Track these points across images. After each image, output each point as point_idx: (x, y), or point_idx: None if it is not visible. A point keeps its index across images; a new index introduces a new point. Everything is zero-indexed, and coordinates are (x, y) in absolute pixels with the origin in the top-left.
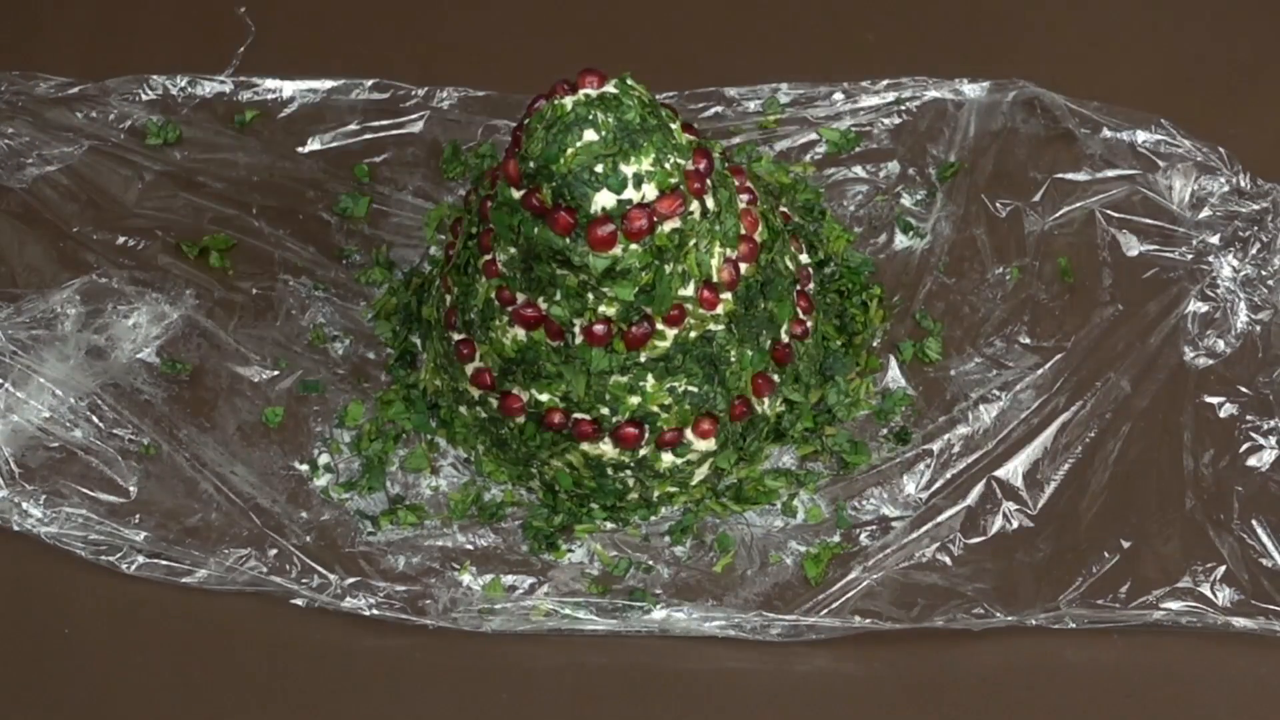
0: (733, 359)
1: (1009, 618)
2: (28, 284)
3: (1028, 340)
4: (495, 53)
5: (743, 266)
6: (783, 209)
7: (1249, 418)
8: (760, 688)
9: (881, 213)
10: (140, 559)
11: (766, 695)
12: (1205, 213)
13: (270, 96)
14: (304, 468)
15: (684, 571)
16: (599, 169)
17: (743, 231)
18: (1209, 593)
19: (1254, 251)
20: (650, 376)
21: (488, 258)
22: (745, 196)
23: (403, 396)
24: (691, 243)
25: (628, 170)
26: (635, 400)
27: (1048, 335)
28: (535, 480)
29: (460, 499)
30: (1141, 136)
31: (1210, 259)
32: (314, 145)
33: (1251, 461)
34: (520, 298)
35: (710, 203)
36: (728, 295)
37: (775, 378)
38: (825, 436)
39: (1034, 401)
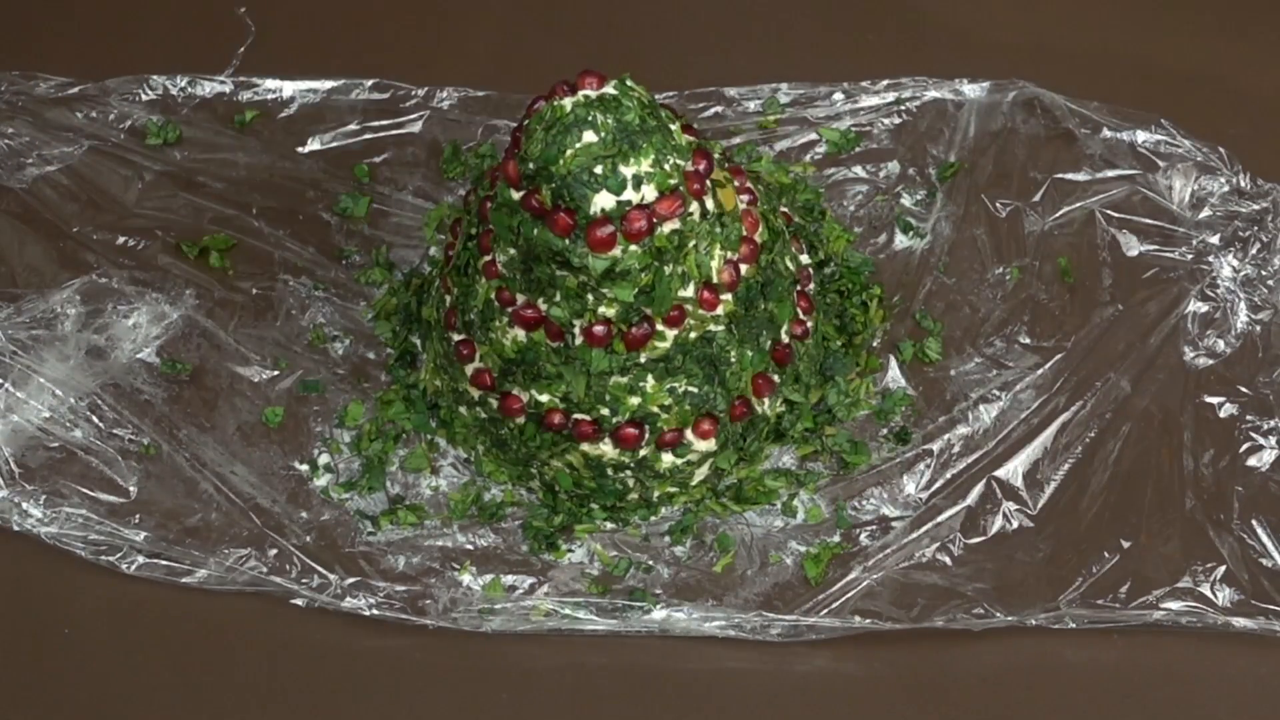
0: (733, 359)
1: (1009, 618)
2: (28, 284)
3: (1028, 340)
4: (495, 53)
5: (743, 267)
6: (783, 209)
7: (1249, 418)
8: (760, 688)
9: (881, 213)
10: (140, 559)
11: (766, 695)
12: (1205, 213)
13: (270, 96)
14: (304, 468)
15: (684, 571)
16: (598, 170)
17: (743, 232)
18: (1209, 593)
19: (1254, 251)
20: (650, 377)
21: (487, 258)
22: (745, 197)
23: (403, 396)
24: (691, 244)
25: (627, 171)
26: (635, 401)
27: (1048, 335)
28: (535, 480)
29: (460, 499)
30: (1141, 136)
31: (1210, 259)
32: (314, 145)
33: (1251, 461)
34: (520, 298)
35: (710, 204)
36: (728, 296)
37: (775, 378)
38: (825, 436)
39: (1034, 401)
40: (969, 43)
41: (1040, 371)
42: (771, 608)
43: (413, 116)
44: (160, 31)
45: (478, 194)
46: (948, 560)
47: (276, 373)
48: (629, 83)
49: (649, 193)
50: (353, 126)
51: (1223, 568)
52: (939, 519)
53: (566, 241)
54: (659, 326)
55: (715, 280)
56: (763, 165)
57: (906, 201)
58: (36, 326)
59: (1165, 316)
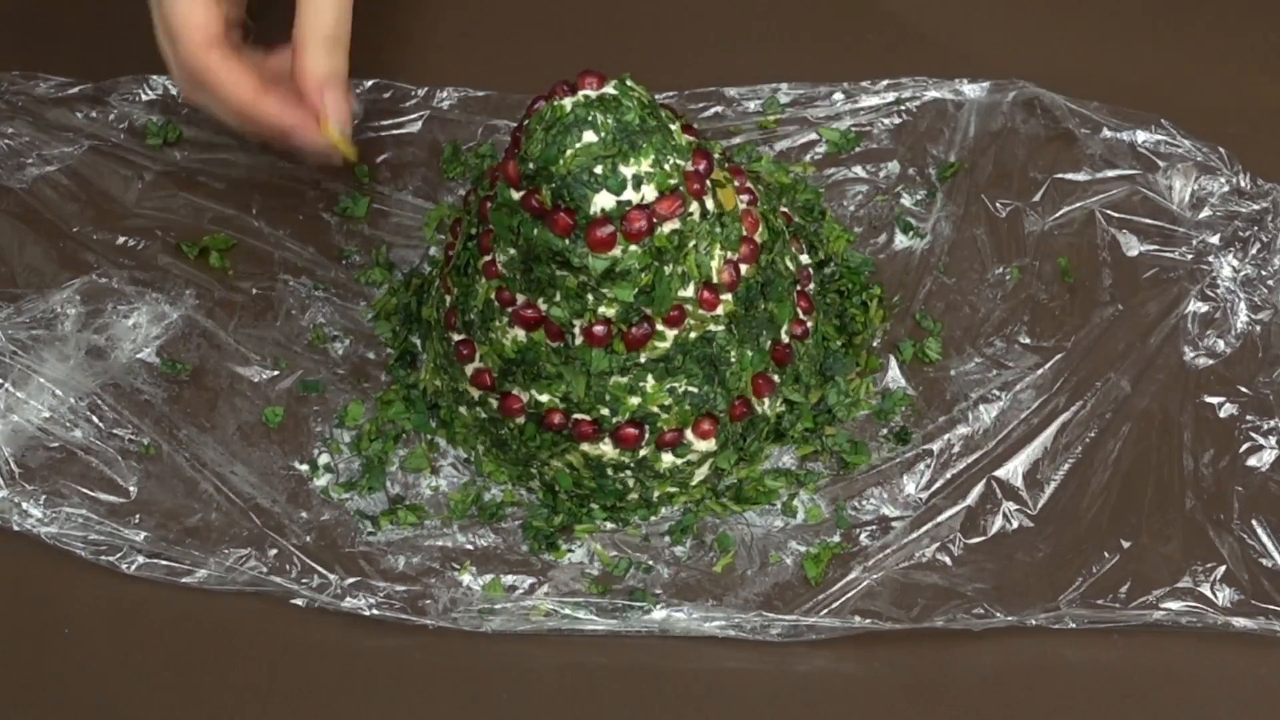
0: (733, 359)
1: (1009, 618)
2: (28, 284)
3: (1028, 340)
4: (495, 53)
5: (743, 267)
6: (783, 209)
7: (1249, 418)
8: (760, 688)
9: (881, 213)
10: (140, 559)
11: (766, 695)
12: (1205, 213)
13: None
14: (304, 468)
15: (684, 571)
16: (598, 170)
17: (743, 232)
18: (1209, 593)
19: (1254, 251)
20: (650, 377)
21: (487, 258)
22: (745, 197)
23: (403, 396)
24: (691, 244)
25: (627, 171)
26: (635, 401)
27: (1048, 335)
28: (535, 480)
29: (460, 499)
30: (1141, 136)
31: (1210, 259)
32: None
33: (1251, 461)
34: (520, 298)
35: (710, 204)
36: (728, 296)
37: (775, 378)
38: (825, 436)
39: (1034, 401)
40: (969, 43)
41: (1040, 371)
42: (771, 608)
43: (413, 116)
44: None
45: (478, 194)
46: (948, 560)
47: (276, 373)
48: (629, 83)
49: (649, 193)
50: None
51: (1223, 568)
52: (939, 519)
53: (566, 241)
54: (659, 326)
55: (715, 280)
56: (763, 165)
57: (906, 201)
58: (36, 326)
59: (1165, 316)
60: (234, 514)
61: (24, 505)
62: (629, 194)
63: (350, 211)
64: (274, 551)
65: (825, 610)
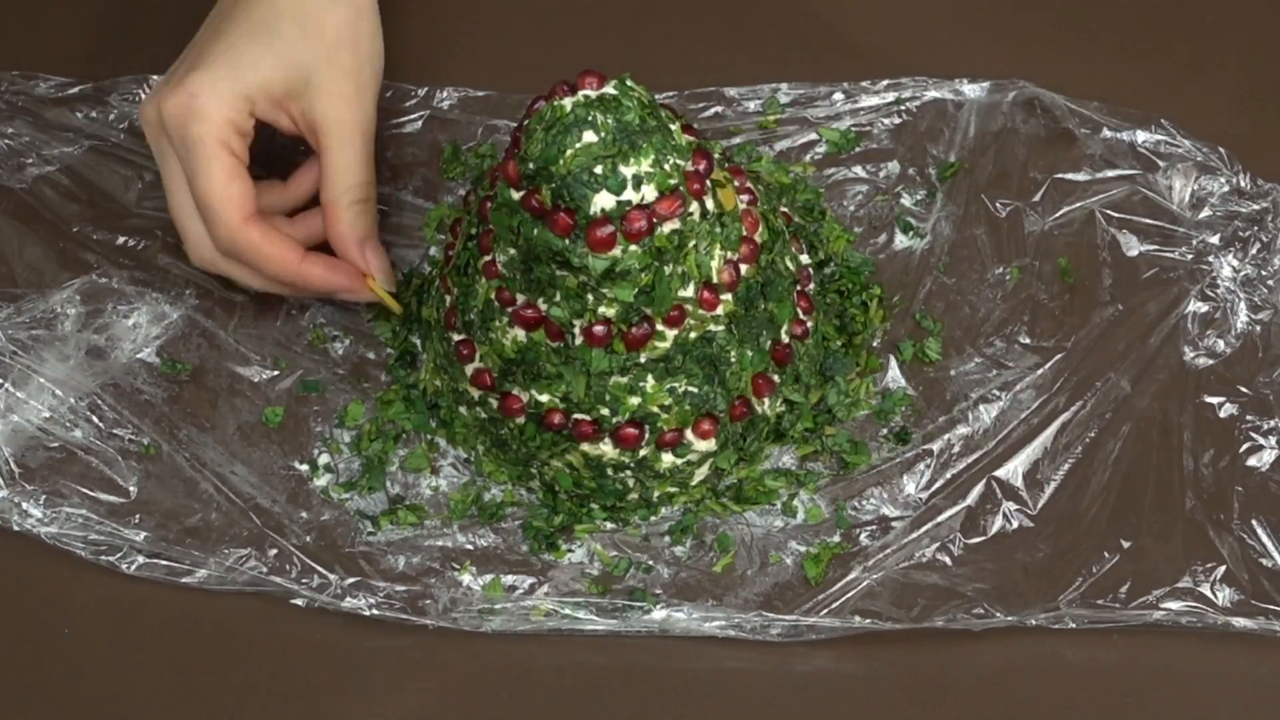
0: (733, 359)
1: (1009, 618)
2: (28, 284)
3: (1028, 340)
4: (495, 53)
5: (743, 267)
6: (783, 209)
7: (1249, 418)
8: (760, 688)
9: (881, 213)
10: (140, 559)
11: (766, 695)
12: (1205, 213)
13: None
14: (304, 468)
15: (684, 571)
16: (598, 170)
17: (743, 232)
18: (1209, 593)
19: (1254, 251)
20: (650, 377)
21: (487, 258)
22: (745, 197)
23: (403, 396)
24: (691, 244)
25: (627, 171)
26: (635, 401)
27: (1048, 335)
28: (535, 480)
29: (460, 499)
30: (1141, 136)
31: (1210, 259)
32: None
33: (1251, 461)
34: (520, 298)
35: (710, 204)
36: (728, 296)
37: (775, 378)
38: (825, 436)
39: (1034, 401)
40: (969, 43)
41: (1040, 371)
42: (771, 608)
43: (413, 116)
44: (160, 31)
45: (478, 194)
46: (948, 560)
47: (276, 373)
48: (629, 83)
49: (649, 193)
50: None
51: (1223, 568)
52: (939, 519)
53: (566, 241)
54: (659, 326)
55: (715, 280)
56: (763, 165)
57: (906, 201)
58: (36, 326)
59: (1165, 316)
60: (234, 514)
61: (24, 505)
62: (629, 194)
63: None
64: (274, 551)
65: (825, 610)
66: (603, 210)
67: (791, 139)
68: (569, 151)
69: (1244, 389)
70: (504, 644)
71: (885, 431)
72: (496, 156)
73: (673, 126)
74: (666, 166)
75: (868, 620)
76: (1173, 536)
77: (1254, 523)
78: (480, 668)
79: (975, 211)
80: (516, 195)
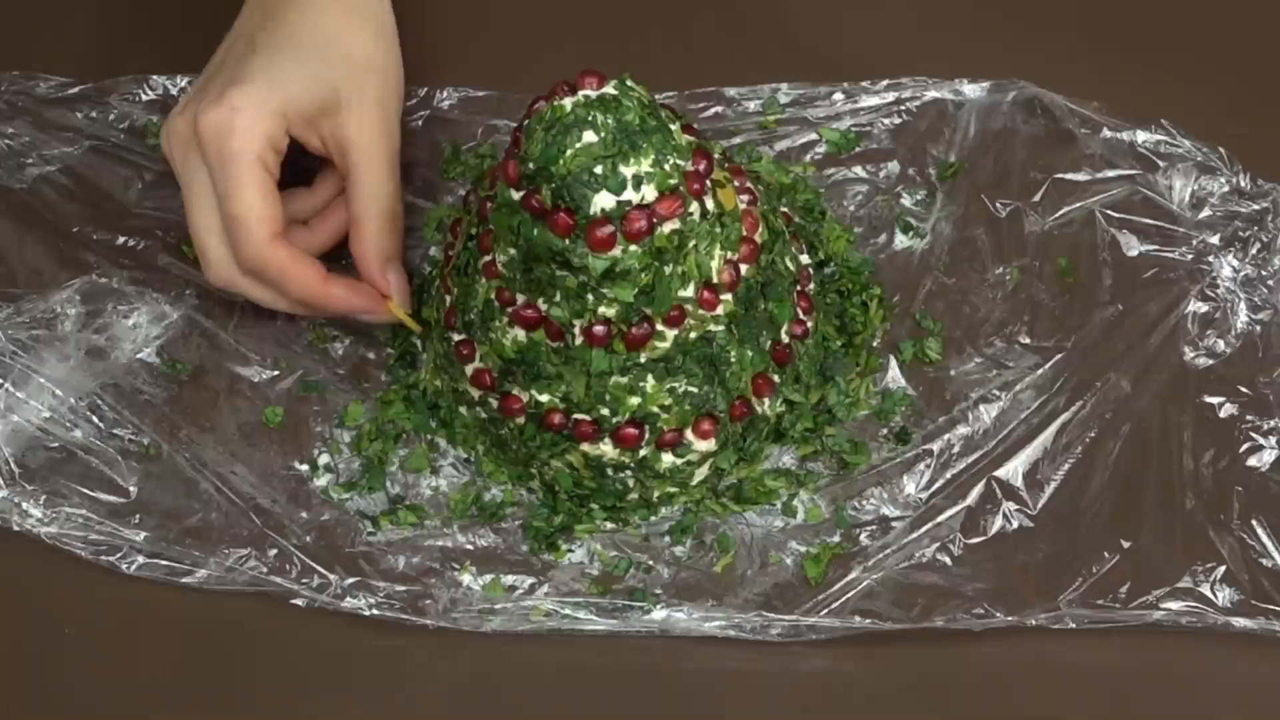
0: (733, 359)
1: (1009, 618)
2: (28, 284)
3: (1028, 340)
4: (495, 53)
5: (743, 267)
6: (783, 209)
7: (1249, 418)
8: (760, 688)
9: (881, 213)
10: (140, 559)
11: (766, 695)
12: (1205, 213)
13: None
14: (304, 468)
15: (684, 571)
16: (598, 170)
17: (743, 232)
18: (1209, 593)
19: (1254, 251)
20: (650, 377)
21: (487, 259)
22: (745, 197)
23: (403, 396)
24: (691, 244)
25: (627, 171)
26: (635, 401)
27: (1048, 335)
28: (535, 480)
29: (460, 499)
30: (1141, 136)
31: (1210, 259)
32: None
33: (1251, 461)
34: (520, 299)
35: (710, 204)
36: (728, 296)
37: (775, 378)
38: (825, 436)
39: (1034, 401)
40: (969, 43)
41: (1040, 371)
42: (771, 608)
43: (413, 116)
44: (160, 31)
45: (478, 194)
46: (948, 560)
47: (276, 373)
48: (629, 83)
49: (649, 193)
50: None
51: (1223, 568)
52: (939, 519)
53: (566, 241)
54: (659, 326)
55: (715, 280)
56: (763, 165)
57: (906, 201)
58: (36, 326)
59: (1165, 316)
60: (234, 514)
61: (24, 505)
62: (629, 194)
63: None
64: (274, 551)
65: (825, 610)
66: (603, 210)
67: (791, 139)
68: (569, 151)
69: (1244, 389)
70: (504, 644)
71: (885, 431)
72: (496, 156)
73: (673, 126)
74: (666, 166)
75: (868, 620)
76: (1173, 537)
77: (1254, 523)
78: (480, 668)
79: (975, 211)
80: (516, 195)
